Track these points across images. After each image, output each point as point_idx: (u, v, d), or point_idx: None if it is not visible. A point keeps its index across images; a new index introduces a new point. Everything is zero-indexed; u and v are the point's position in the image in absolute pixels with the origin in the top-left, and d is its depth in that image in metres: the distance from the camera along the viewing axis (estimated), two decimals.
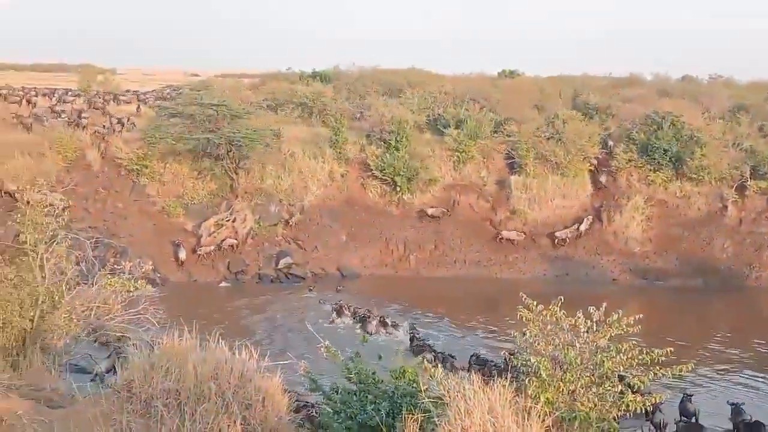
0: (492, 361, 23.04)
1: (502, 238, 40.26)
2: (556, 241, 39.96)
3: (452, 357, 23.85)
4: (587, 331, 9.45)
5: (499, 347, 26.03)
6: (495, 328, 29.78)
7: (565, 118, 44.77)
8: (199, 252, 36.63)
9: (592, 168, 43.02)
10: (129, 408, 9.74)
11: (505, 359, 22.00)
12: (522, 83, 60.55)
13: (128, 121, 46.31)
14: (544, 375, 9.16)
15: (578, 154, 42.38)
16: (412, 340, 26.39)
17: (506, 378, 8.66)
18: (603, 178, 42.43)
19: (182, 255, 36.10)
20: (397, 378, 11.69)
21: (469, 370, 20.77)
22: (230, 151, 39.24)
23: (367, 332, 26.24)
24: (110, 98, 59.91)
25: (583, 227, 40.35)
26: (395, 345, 23.26)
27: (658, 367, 9.57)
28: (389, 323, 28.66)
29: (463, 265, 39.42)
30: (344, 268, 38.13)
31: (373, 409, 9.92)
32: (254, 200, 39.53)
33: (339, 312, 29.75)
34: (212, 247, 36.90)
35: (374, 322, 28.10)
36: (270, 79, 65.21)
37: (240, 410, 9.69)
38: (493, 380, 8.48)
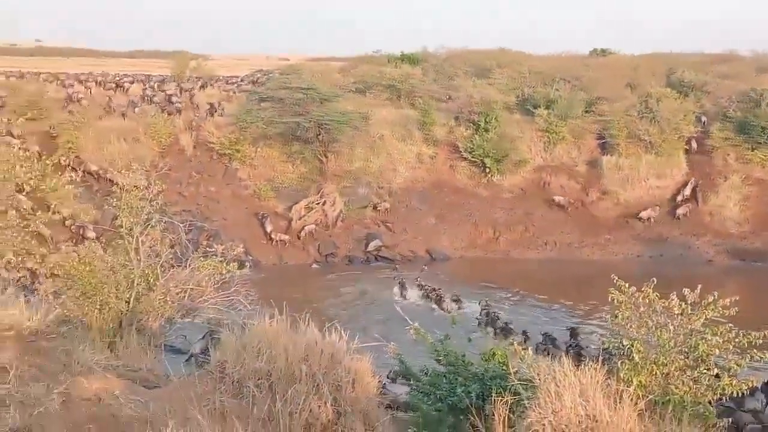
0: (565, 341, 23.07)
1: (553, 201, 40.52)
2: (642, 221, 39.21)
3: (525, 333, 23.87)
4: (681, 314, 9.22)
5: (584, 329, 25.57)
6: (580, 310, 29.49)
7: (659, 96, 43.90)
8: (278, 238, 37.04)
9: (687, 147, 42.07)
10: (222, 388, 9.85)
11: (570, 335, 23.38)
12: (614, 61, 59.31)
13: (219, 105, 46.94)
14: (636, 358, 8.97)
15: (672, 132, 41.48)
16: (487, 315, 26.60)
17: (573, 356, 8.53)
18: (698, 157, 41.45)
19: (269, 227, 36.61)
20: (486, 360, 11.62)
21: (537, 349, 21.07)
22: (319, 134, 39.49)
23: (443, 310, 27.18)
24: (202, 83, 60.92)
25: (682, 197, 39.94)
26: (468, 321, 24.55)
27: (755, 351, 9.29)
28: (463, 301, 28.94)
29: (554, 246, 39.03)
30: (433, 250, 38.05)
31: (462, 392, 9.87)
32: (343, 183, 39.75)
33: (402, 287, 30.79)
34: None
35: (447, 300, 28.50)
36: (359, 62, 65.24)
37: (330, 392, 9.71)
38: (583, 363, 8.35)
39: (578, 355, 19.86)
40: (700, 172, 41.22)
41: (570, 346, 22.13)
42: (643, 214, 39.32)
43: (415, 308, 27.91)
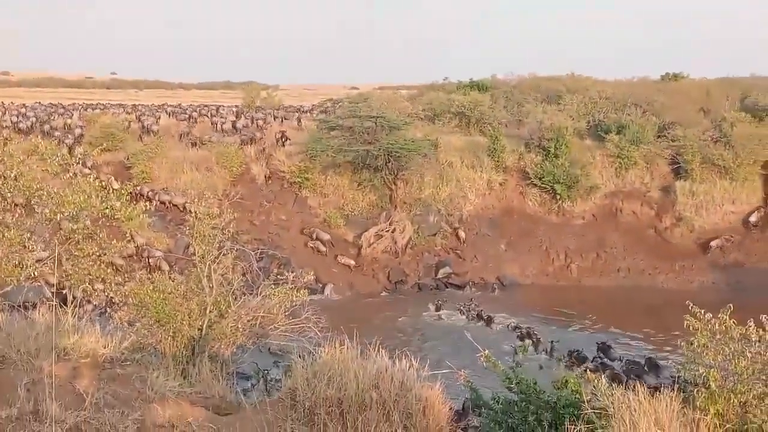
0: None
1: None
2: (710, 250, 38.51)
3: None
4: (759, 341, 8.99)
5: (644, 354, 26.15)
6: (653, 338, 29.14)
7: (733, 121, 43.10)
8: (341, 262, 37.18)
9: (764, 172, 41.22)
10: (293, 415, 9.89)
11: (598, 349, 25.21)
12: (686, 86, 58.50)
13: (285, 137, 47.39)
14: (713, 386, 8.77)
15: (748, 157, 40.67)
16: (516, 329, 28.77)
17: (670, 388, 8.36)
18: None
19: (327, 291, 34.95)
20: (559, 388, 11.46)
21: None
22: (389, 162, 39.60)
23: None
24: (272, 113, 61.74)
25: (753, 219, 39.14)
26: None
27: None
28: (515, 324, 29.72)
29: (627, 273, 38.48)
30: (503, 277, 37.79)
31: (535, 420, 9.75)
32: (413, 210, 39.80)
33: (438, 308, 32.35)
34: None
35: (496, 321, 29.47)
36: (427, 90, 65.47)
37: (401, 419, 9.69)
38: (659, 391, 8.20)
39: (603, 369, 21.41)
40: None
41: (595, 359, 24.36)
42: (713, 244, 38.55)
43: (485, 336, 27.81)
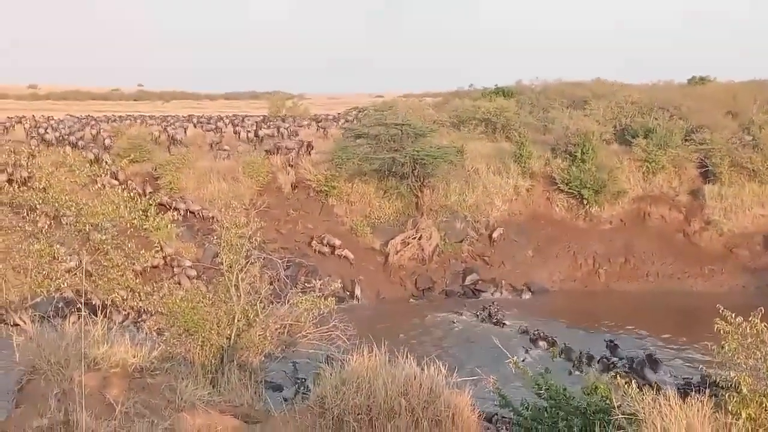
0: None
1: None
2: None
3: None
4: None
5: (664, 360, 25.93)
6: (683, 342, 29.07)
7: (762, 124, 42.73)
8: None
9: None
10: (322, 423, 9.91)
11: (607, 346, 26.00)
12: (713, 89, 58.04)
13: (310, 146, 47.50)
14: (744, 390, 8.69)
15: None
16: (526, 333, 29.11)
17: (703, 393, 8.30)
18: None
19: (358, 292, 35.38)
20: (589, 394, 11.41)
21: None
22: (415, 169, 39.57)
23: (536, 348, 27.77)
24: (299, 122, 62.01)
25: None
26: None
27: None
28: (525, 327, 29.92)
29: (656, 278, 38.23)
30: (531, 283, 37.62)
31: (565, 426, 9.71)
32: (439, 217, 39.73)
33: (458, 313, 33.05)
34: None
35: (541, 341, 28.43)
36: (452, 97, 65.45)
37: (430, 426, 9.69)
38: (690, 395, 8.14)
39: (608, 367, 23.43)
40: None
41: (603, 358, 25.14)
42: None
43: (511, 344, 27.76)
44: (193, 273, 31.94)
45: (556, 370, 11.81)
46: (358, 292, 35.04)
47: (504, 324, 30.72)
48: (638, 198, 41.76)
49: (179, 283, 27.22)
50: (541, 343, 27.98)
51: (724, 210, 39.92)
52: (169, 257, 33.47)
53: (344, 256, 36.99)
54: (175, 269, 32.51)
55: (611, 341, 26.74)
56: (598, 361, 24.78)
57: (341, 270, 35.87)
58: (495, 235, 39.44)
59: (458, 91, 70.81)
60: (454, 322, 32.27)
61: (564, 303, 36.05)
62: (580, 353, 25.82)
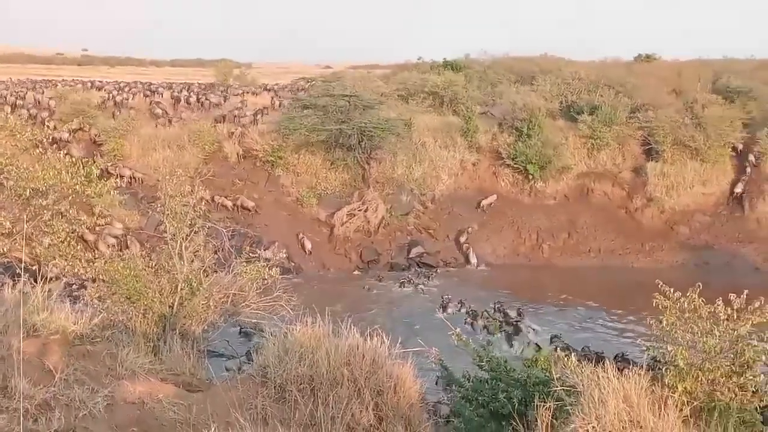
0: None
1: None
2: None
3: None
4: (727, 319, 9.09)
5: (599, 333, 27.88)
6: (622, 317, 29.62)
7: (705, 103, 43.39)
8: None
9: (734, 154, 41.64)
10: (264, 393, 9.91)
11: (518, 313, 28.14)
12: (659, 67, 58.80)
13: (262, 113, 47.24)
14: (681, 364, 8.85)
15: (718, 139, 41.02)
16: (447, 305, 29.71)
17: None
18: (745, 164, 41.02)
19: (308, 246, 36.33)
20: (529, 366, 11.57)
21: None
22: (362, 141, 39.50)
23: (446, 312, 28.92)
24: (245, 91, 61.53)
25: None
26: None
27: None
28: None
29: (598, 253, 38.76)
30: (476, 257, 37.86)
31: (505, 397, 9.83)
32: (386, 190, 39.75)
33: (380, 278, 34.49)
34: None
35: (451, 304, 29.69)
36: (401, 69, 65.32)
37: (372, 396, 9.74)
38: (628, 369, 8.29)
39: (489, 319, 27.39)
40: (748, 179, 40.64)
41: (485, 311, 28.20)
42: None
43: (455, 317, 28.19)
44: (113, 241, 31.57)
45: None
46: (308, 245, 36.13)
47: (447, 298, 30.81)
48: (582, 174, 42.20)
49: (96, 249, 26.94)
50: (451, 306, 29.41)
51: (666, 187, 40.53)
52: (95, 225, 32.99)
53: (244, 207, 37.60)
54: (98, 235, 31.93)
55: (498, 302, 29.24)
56: (482, 316, 27.73)
57: (287, 240, 35.83)
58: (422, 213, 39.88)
59: (407, 63, 70.64)
60: (397, 295, 32.44)
61: (507, 277, 36.35)
62: (473, 311, 28.20)
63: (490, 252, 38.45)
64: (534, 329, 27.24)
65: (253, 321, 14.95)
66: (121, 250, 25.30)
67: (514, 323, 27.29)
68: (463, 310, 28.82)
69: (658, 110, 43.26)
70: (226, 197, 37.44)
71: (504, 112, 44.13)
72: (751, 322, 9.11)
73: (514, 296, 32.33)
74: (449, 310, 29.00)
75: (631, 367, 8.26)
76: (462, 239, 38.18)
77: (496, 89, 51.90)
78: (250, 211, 37.51)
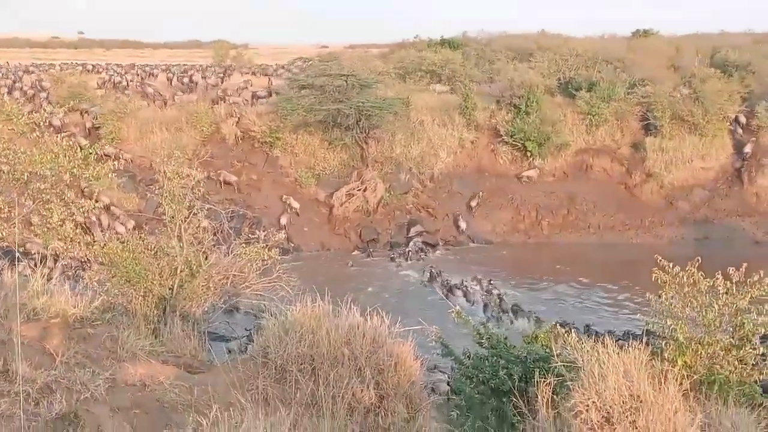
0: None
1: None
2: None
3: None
4: (726, 293, 9.11)
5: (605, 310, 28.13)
6: (622, 293, 29.72)
7: (703, 77, 43.27)
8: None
9: (732, 127, 41.59)
10: (265, 373, 9.93)
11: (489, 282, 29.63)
12: (657, 43, 58.53)
13: (256, 96, 47.13)
14: (681, 338, 8.88)
15: (717, 113, 40.97)
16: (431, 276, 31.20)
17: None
18: (744, 138, 40.99)
19: (284, 220, 36.47)
20: (529, 343, 11.59)
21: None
22: (360, 120, 39.39)
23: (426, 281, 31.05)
24: (244, 72, 61.40)
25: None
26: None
27: None
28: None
29: (597, 229, 38.79)
30: (475, 235, 37.91)
31: (505, 374, 9.85)
32: (384, 169, 39.68)
33: (369, 254, 35.61)
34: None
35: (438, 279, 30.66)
36: (398, 48, 65.10)
37: (373, 375, 9.75)
38: (628, 343, 8.30)
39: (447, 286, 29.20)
40: (746, 153, 40.62)
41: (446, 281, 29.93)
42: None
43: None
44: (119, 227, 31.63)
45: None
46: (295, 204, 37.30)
47: (440, 273, 31.39)
48: (581, 150, 42.14)
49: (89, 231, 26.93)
50: (438, 279, 30.54)
51: (664, 163, 40.47)
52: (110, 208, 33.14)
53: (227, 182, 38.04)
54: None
55: (489, 280, 30.13)
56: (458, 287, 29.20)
57: (287, 221, 35.92)
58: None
59: (404, 42, 70.38)
60: (397, 274, 32.52)
61: (505, 254, 36.44)
62: (447, 282, 29.83)
63: (490, 229, 38.47)
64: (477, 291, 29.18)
65: (254, 302, 14.97)
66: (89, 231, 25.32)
67: (487, 291, 28.95)
68: (445, 282, 30.01)
69: (657, 85, 43.13)
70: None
71: (502, 89, 43.97)
72: (750, 295, 9.13)
73: (511, 272, 32.52)
74: (436, 283, 30.03)
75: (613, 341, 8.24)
76: (459, 217, 38.35)
77: (494, 66, 51.75)
78: (232, 185, 37.53)
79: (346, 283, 28.30)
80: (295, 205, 37.23)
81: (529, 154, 40.83)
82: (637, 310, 25.26)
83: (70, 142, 14.78)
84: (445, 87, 48.34)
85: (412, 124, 41.47)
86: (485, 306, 27.55)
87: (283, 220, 36.25)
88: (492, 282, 29.98)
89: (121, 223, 32.43)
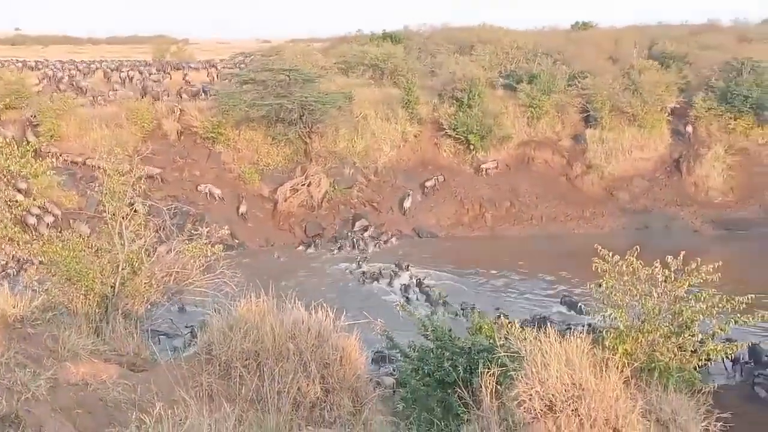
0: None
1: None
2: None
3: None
4: (665, 281, 9.27)
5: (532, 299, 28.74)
6: (563, 284, 30.06)
7: (641, 69, 43.94)
8: None
9: (670, 119, 42.28)
10: (209, 369, 9.87)
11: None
12: (596, 35, 59.35)
13: (201, 89, 46.75)
14: (621, 326, 9.02)
15: (655, 104, 41.63)
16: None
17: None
18: (681, 128, 41.73)
19: (243, 208, 36.92)
20: (473, 334, 11.67)
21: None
22: (303, 115, 39.26)
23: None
24: (183, 67, 60.82)
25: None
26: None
27: (739, 315, 9.37)
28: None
29: (540, 221, 39.17)
30: (420, 228, 38.03)
31: (450, 366, 9.92)
32: (328, 164, 39.60)
33: (310, 245, 35.86)
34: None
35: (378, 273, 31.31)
36: (340, 42, 64.98)
37: (318, 369, 9.75)
38: (569, 332, 8.40)
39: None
40: (684, 143, 41.36)
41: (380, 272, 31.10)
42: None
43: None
44: (32, 221, 30.98)
45: None
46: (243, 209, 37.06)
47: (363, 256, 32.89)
48: (523, 143, 42.50)
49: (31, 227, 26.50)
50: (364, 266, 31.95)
51: (604, 154, 41.04)
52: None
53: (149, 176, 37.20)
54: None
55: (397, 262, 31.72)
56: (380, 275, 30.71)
57: (230, 217, 35.65)
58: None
59: (346, 36, 70.26)
60: (341, 268, 32.53)
61: (448, 246, 36.64)
62: (373, 272, 30.96)
63: (434, 223, 38.62)
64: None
65: (198, 299, 14.86)
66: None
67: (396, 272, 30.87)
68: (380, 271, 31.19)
69: (596, 77, 43.65)
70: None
71: (444, 82, 44.11)
72: (688, 283, 9.30)
73: (452, 264, 32.75)
74: (363, 269, 31.45)
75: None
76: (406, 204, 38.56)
77: (436, 60, 51.88)
78: (154, 179, 36.81)
79: (290, 279, 28.25)
80: (216, 191, 37.07)
81: (471, 147, 41.02)
82: (578, 301, 25.60)
83: (6, 139, 14.56)
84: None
85: (355, 119, 41.41)
86: (405, 288, 28.79)
87: (242, 209, 36.73)
88: (410, 266, 31.30)
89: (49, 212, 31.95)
